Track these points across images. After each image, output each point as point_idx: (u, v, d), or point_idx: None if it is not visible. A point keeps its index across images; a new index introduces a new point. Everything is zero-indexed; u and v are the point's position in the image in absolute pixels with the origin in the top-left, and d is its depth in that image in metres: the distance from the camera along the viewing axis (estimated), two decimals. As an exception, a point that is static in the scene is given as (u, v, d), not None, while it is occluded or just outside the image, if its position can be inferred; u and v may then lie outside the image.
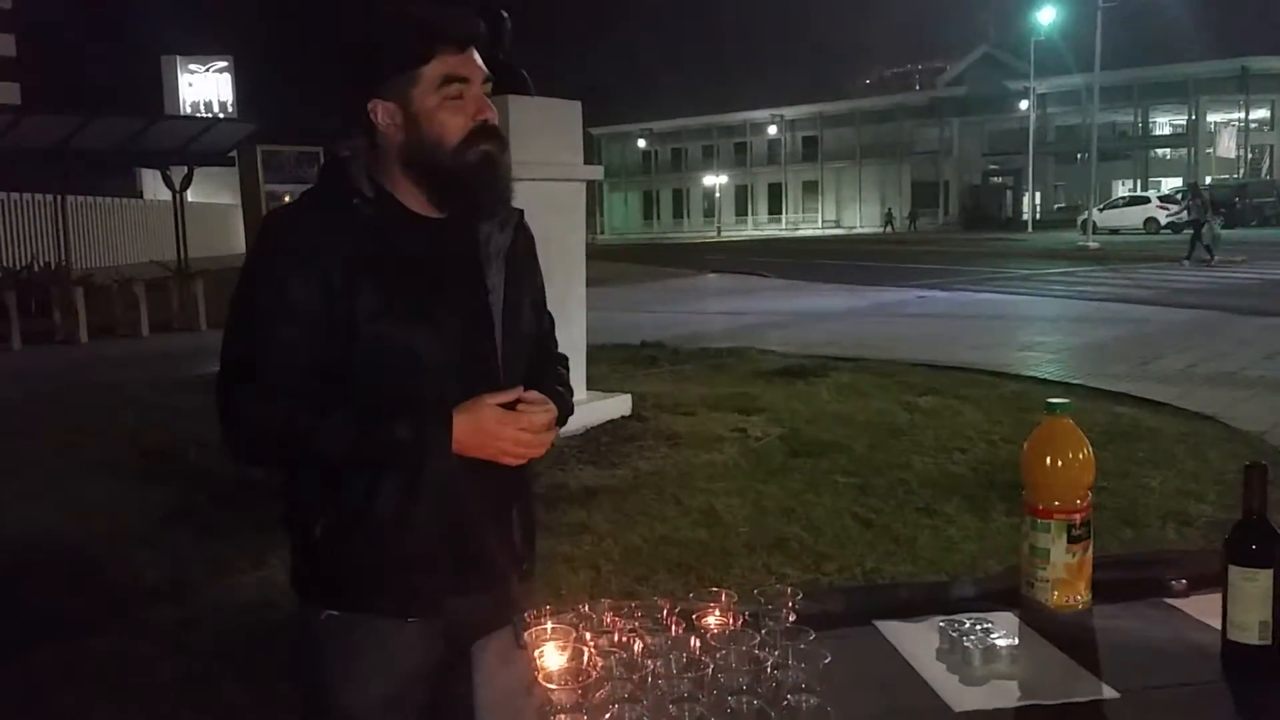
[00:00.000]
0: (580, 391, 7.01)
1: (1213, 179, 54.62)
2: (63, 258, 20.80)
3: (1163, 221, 42.34)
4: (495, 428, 1.73)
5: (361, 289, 1.76)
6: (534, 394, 1.80)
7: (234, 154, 22.30)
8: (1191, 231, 25.53)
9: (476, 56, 1.83)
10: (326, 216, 1.83)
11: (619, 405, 7.88)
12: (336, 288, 1.75)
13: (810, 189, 75.55)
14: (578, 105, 7.87)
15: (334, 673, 1.91)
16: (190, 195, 22.99)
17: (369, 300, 1.76)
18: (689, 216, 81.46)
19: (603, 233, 74.11)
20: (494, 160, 1.82)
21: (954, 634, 1.66)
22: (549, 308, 2.16)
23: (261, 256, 1.83)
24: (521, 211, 2.04)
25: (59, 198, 23.02)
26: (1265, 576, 1.56)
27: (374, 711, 1.91)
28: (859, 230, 66.85)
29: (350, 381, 1.77)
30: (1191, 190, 27.87)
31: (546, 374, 2.01)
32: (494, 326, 1.88)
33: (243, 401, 1.79)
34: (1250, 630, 1.57)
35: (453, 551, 1.86)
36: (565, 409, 1.96)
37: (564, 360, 2.15)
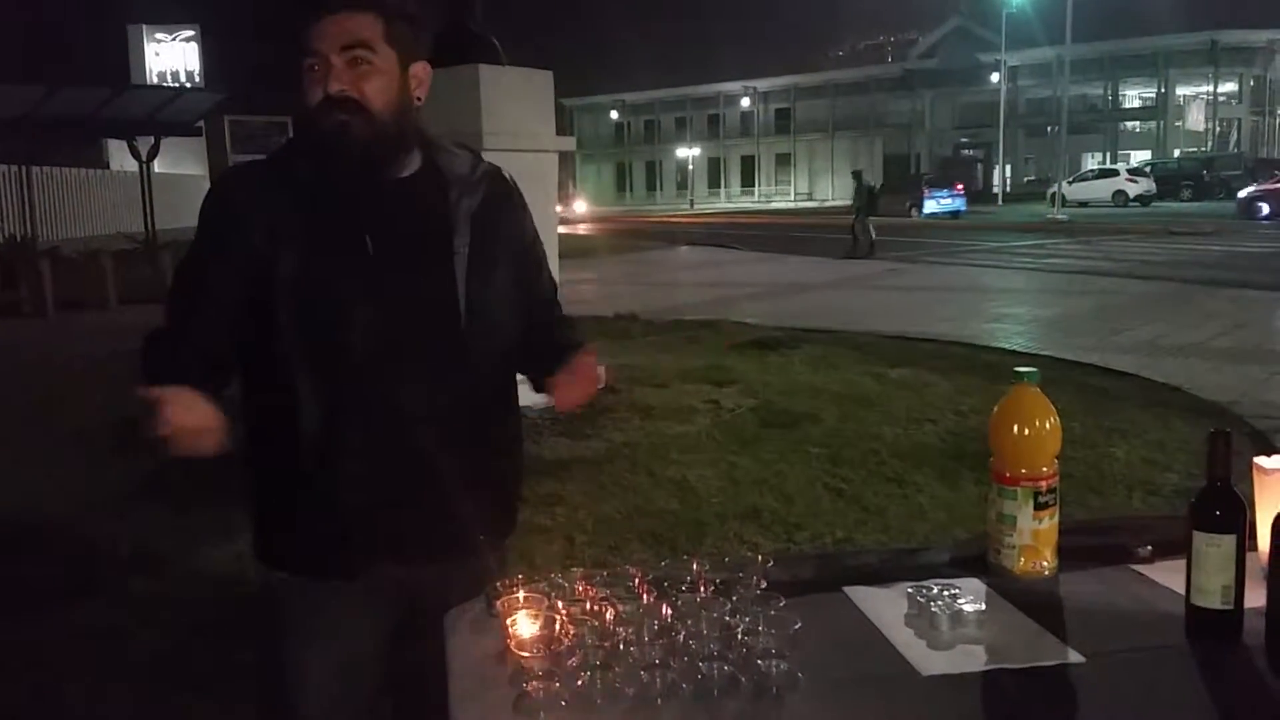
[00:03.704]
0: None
1: (1181, 151, 55.01)
2: (28, 230, 20.52)
3: (1131, 195, 42.59)
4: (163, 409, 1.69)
5: (290, 244, 1.80)
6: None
7: (201, 124, 22.06)
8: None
9: (341, 25, 1.79)
10: (268, 175, 1.89)
11: (592, 377, 7.87)
12: (266, 242, 1.80)
13: (783, 161, 75.45)
14: (549, 75, 7.80)
15: (287, 637, 1.96)
16: (157, 166, 22.74)
17: (295, 254, 1.80)
18: (662, 189, 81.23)
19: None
20: (346, 128, 1.79)
21: (922, 599, 1.68)
22: None
23: (202, 212, 1.90)
24: (493, 173, 2.04)
25: (24, 169, 22.68)
26: (1229, 542, 1.58)
27: (326, 675, 1.94)
28: (831, 203, 66.87)
29: (284, 333, 1.82)
30: (855, 177, 24.29)
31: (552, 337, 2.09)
32: (455, 284, 1.89)
33: (154, 339, 1.87)
34: (1213, 595, 1.59)
35: (388, 518, 1.89)
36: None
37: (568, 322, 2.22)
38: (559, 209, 35.43)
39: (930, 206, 37.27)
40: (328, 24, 1.78)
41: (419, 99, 1.91)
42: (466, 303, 1.89)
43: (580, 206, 58.82)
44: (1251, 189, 33.78)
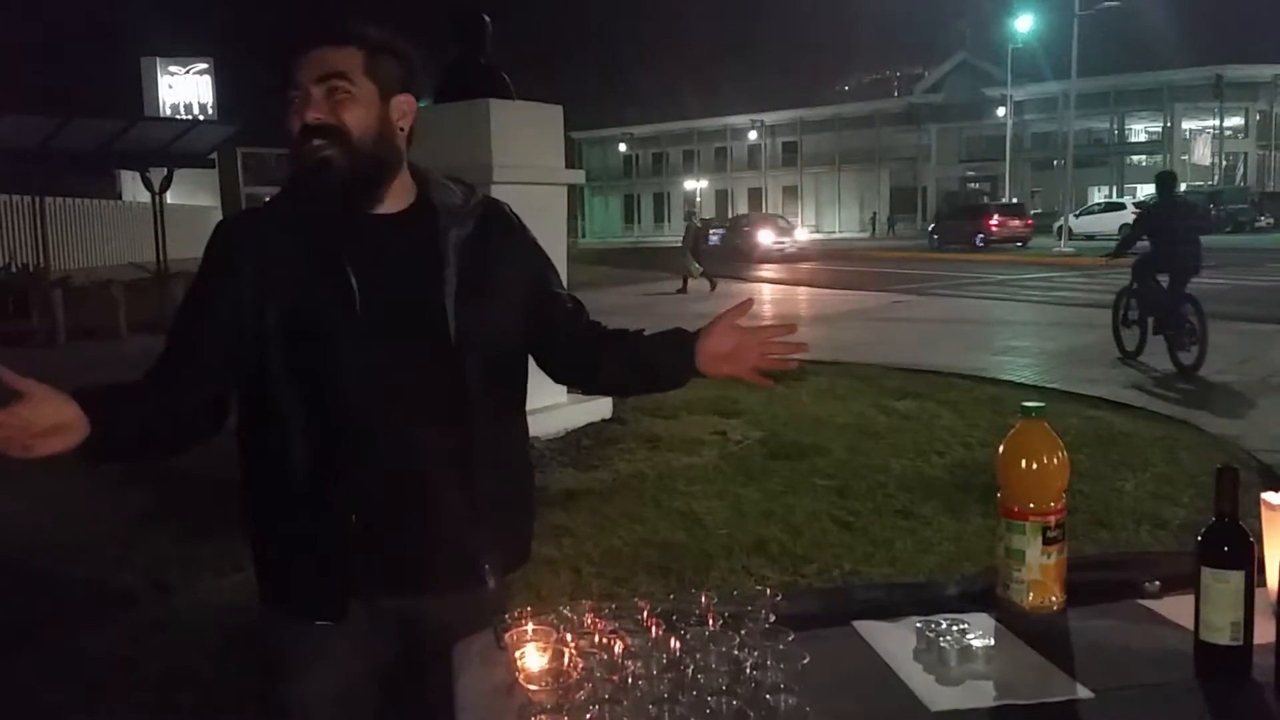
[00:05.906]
0: (560, 394, 7.01)
1: (1188, 185, 55.08)
2: (41, 259, 20.66)
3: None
4: None
5: (278, 288, 1.84)
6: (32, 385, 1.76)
7: (214, 156, 22.18)
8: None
9: (321, 57, 1.84)
10: (262, 222, 1.92)
11: (599, 408, 7.88)
12: (255, 289, 1.84)
13: (790, 194, 75.71)
14: (559, 109, 7.87)
15: (284, 670, 1.98)
16: (169, 197, 22.85)
17: (284, 297, 1.83)
18: (670, 221, 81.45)
19: (584, 236, 73.98)
20: (325, 156, 1.83)
21: (930, 634, 1.67)
22: None
23: (201, 262, 1.94)
24: (487, 203, 2.04)
25: (37, 199, 22.85)
26: (1237, 578, 1.58)
27: (325, 707, 1.94)
28: (838, 235, 66.96)
29: (273, 374, 1.85)
30: (688, 218, 25.69)
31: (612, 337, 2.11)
32: (447, 319, 1.89)
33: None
34: (1222, 631, 1.59)
35: (383, 552, 1.89)
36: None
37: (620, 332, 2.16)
38: (785, 242, 34.90)
39: (713, 240, 44.89)
40: (309, 58, 1.84)
41: (402, 129, 1.92)
42: (457, 332, 1.88)
43: (802, 235, 44.59)
44: (933, 224, 45.38)
